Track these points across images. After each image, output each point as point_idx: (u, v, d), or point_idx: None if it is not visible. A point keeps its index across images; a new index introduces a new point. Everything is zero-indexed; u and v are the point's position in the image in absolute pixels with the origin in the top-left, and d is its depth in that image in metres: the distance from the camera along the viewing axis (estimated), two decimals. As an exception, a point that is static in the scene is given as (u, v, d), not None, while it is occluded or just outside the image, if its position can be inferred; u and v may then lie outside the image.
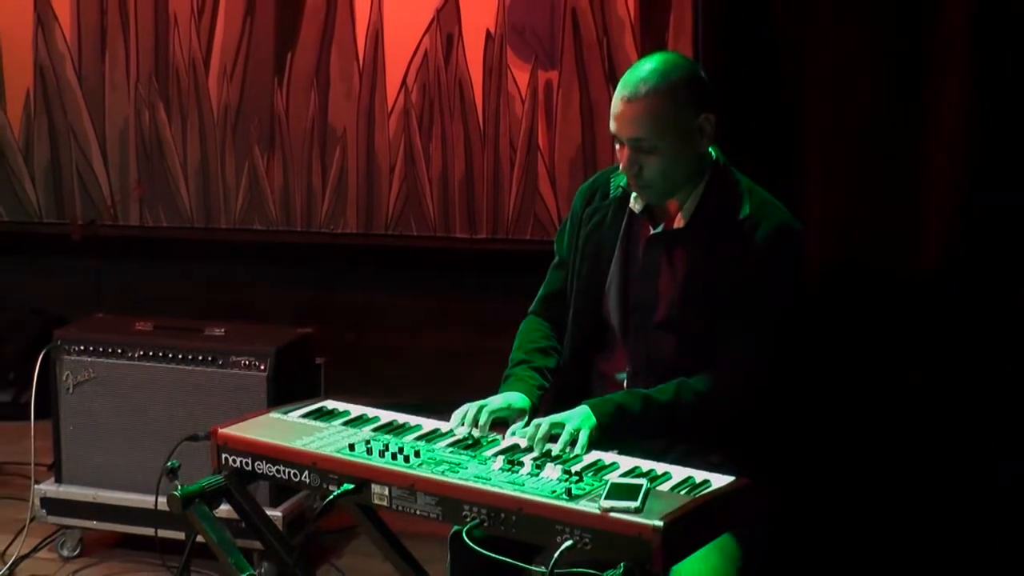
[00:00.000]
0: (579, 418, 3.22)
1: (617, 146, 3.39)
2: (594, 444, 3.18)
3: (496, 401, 3.37)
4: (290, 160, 6.41)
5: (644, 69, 3.34)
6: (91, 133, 6.67)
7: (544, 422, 3.19)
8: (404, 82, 6.19)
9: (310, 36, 6.30)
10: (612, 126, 3.37)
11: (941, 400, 3.98)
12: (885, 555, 4.05)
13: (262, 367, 4.64)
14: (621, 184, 3.51)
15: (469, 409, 3.32)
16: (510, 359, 3.62)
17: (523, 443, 3.20)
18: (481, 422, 3.28)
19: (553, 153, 6.01)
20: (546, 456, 3.10)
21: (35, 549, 4.96)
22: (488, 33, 6.05)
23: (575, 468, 2.99)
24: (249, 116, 6.44)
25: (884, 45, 3.97)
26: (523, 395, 3.44)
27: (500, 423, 3.35)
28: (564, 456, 3.11)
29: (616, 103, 3.34)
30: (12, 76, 6.74)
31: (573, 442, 3.16)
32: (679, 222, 3.42)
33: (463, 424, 3.29)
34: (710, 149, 3.44)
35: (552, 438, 3.17)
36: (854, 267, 4.10)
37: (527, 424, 3.29)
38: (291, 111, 6.37)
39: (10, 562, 4.80)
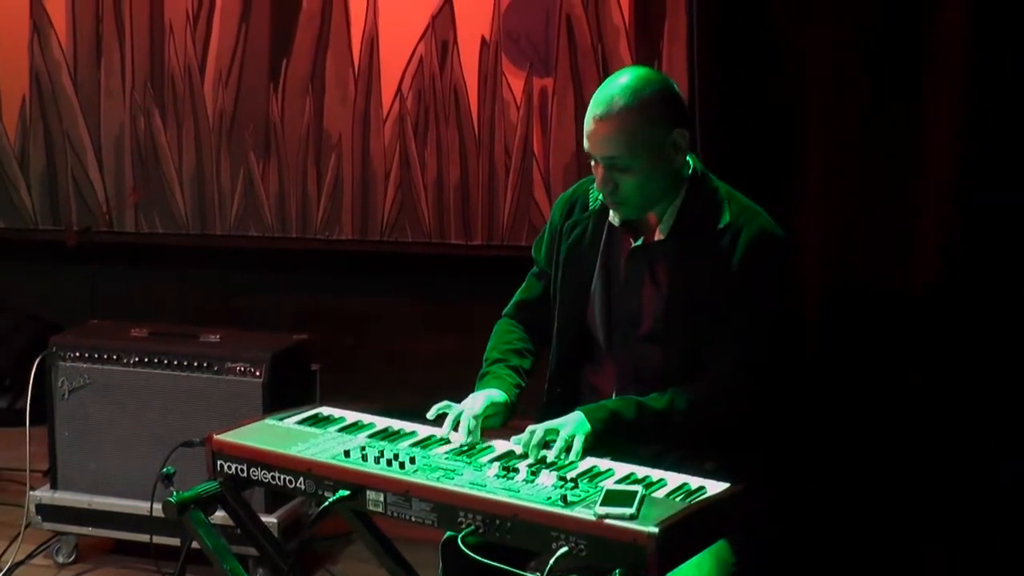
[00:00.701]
0: (573, 424, 3.22)
1: (592, 163, 3.38)
2: (588, 451, 3.18)
3: (479, 404, 3.37)
4: (285, 166, 6.41)
5: (615, 86, 3.31)
6: (87, 140, 6.67)
7: (539, 428, 3.19)
8: (399, 88, 6.20)
9: (305, 42, 6.31)
10: (585, 144, 3.36)
11: (941, 400, 3.98)
12: (883, 561, 4.05)
13: (257, 373, 4.64)
14: (600, 196, 3.50)
15: (458, 417, 3.33)
16: (485, 358, 3.62)
17: (518, 449, 3.20)
18: (471, 428, 3.30)
19: (548, 159, 6.01)
20: (541, 463, 3.11)
21: (30, 556, 4.96)
22: (483, 40, 6.05)
23: (570, 475, 2.99)
24: (244, 122, 6.44)
25: (883, 46, 3.97)
26: (501, 391, 3.45)
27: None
28: (559, 463, 3.12)
29: (588, 121, 3.33)
30: (8, 83, 6.75)
31: (568, 448, 3.16)
32: (659, 235, 3.41)
33: (453, 429, 3.31)
34: (688, 158, 3.43)
35: (547, 445, 3.17)
36: (854, 268, 4.10)
37: (505, 423, 3.31)
38: (286, 117, 6.37)
39: (5, 568, 4.79)
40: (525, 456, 3.15)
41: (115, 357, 4.79)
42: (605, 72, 5.84)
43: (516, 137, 6.06)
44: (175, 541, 4.17)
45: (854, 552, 4.07)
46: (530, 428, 3.21)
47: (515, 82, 6.04)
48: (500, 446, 3.25)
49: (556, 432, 3.18)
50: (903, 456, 4.03)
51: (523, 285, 3.74)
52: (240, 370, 4.66)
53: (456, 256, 6.24)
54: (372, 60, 6.22)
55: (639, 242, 3.43)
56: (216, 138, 6.48)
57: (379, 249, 6.35)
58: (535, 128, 6.03)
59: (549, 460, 3.12)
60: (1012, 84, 3.83)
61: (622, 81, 3.32)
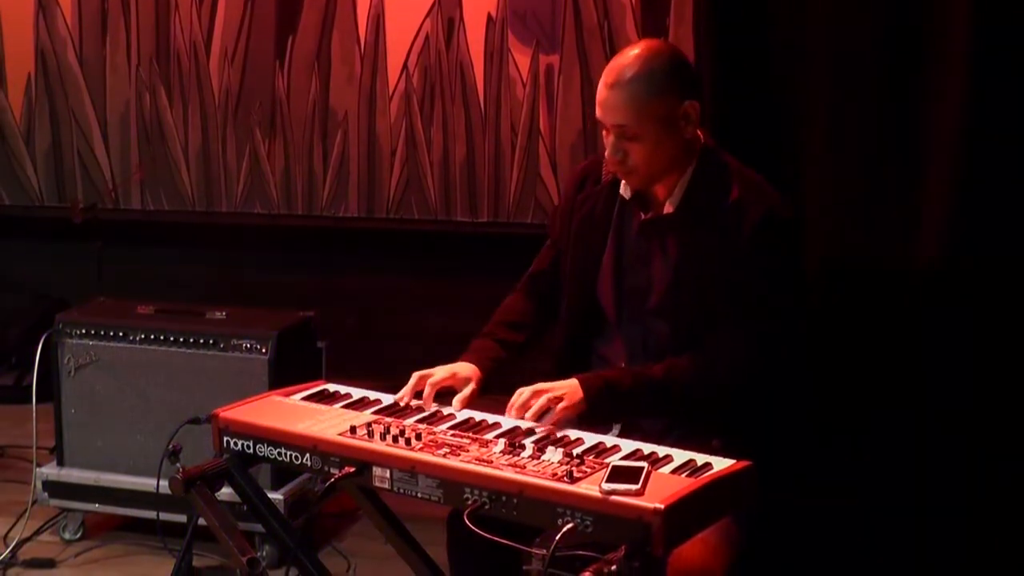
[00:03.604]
0: (564, 390, 3.23)
1: (603, 132, 3.40)
2: (583, 419, 3.21)
3: (441, 372, 3.41)
4: (291, 144, 6.41)
5: (628, 56, 3.34)
6: (92, 117, 6.67)
7: (527, 390, 3.22)
8: (405, 66, 6.19)
9: (311, 19, 6.30)
10: (597, 112, 3.38)
11: (940, 397, 3.98)
12: (884, 548, 4.05)
13: (263, 350, 4.64)
14: (612, 171, 3.51)
15: (413, 379, 3.38)
16: (481, 330, 3.67)
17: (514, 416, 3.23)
18: (425, 394, 3.34)
19: (554, 137, 6.01)
20: (546, 439, 3.11)
21: (37, 532, 4.96)
22: (489, 17, 6.04)
23: (577, 451, 3.00)
24: (250, 100, 6.44)
25: (887, 30, 3.98)
26: (471, 364, 3.48)
27: (447, 392, 3.40)
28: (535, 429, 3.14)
29: (601, 89, 3.35)
30: (13, 60, 6.74)
31: (547, 409, 3.19)
32: (668, 208, 3.42)
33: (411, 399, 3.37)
34: (699, 132, 3.43)
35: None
36: (856, 250, 4.10)
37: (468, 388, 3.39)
38: (292, 95, 6.37)
39: (12, 545, 4.80)
40: (532, 432, 3.16)
41: (121, 334, 4.79)
42: (611, 49, 5.84)
43: (522, 114, 6.06)
44: (182, 518, 4.20)
45: (853, 540, 4.08)
46: (520, 389, 3.23)
47: (521, 59, 6.03)
48: (506, 422, 3.26)
49: (541, 393, 3.21)
50: (905, 437, 4.04)
51: (537, 257, 3.76)
52: (246, 347, 4.66)
53: (462, 234, 6.23)
54: (378, 37, 6.21)
55: (649, 215, 3.45)
56: (222, 116, 6.48)
57: (385, 227, 6.35)
58: (541, 106, 6.02)
59: (527, 416, 3.16)
60: (1015, 70, 3.83)
61: (634, 51, 3.36)
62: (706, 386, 3.31)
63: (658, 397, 3.31)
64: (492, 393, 3.42)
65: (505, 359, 3.57)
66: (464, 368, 3.47)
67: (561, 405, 3.20)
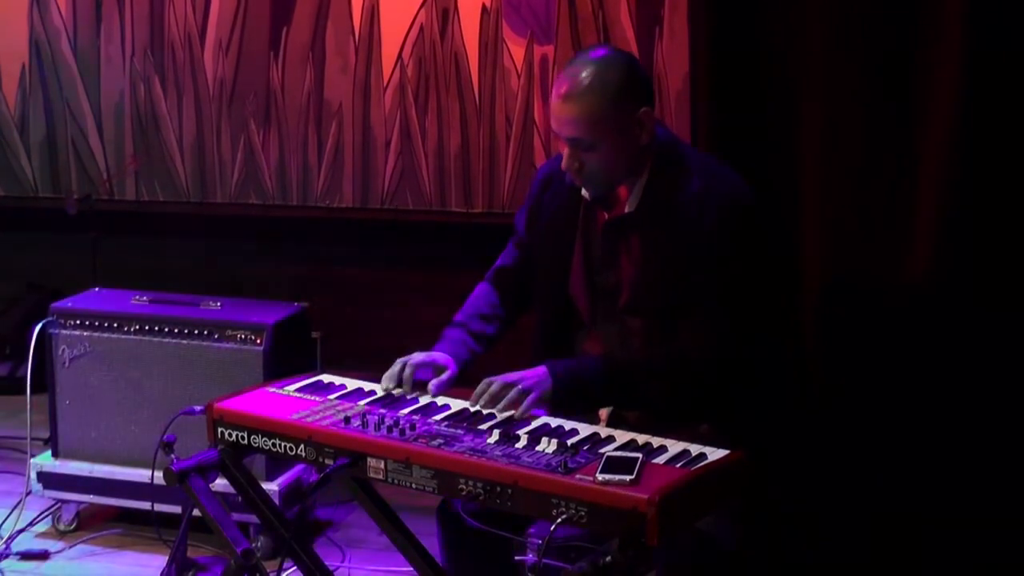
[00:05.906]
0: (534, 379, 3.24)
1: (560, 141, 3.39)
2: (551, 405, 3.23)
3: (419, 357, 3.44)
4: (286, 134, 6.40)
5: (579, 66, 3.32)
6: (86, 107, 6.66)
7: (496, 381, 3.21)
8: (400, 56, 6.18)
9: (306, 10, 6.28)
10: (552, 123, 3.37)
11: (935, 397, 3.98)
12: (884, 548, 4.06)
13: (258, 341, 4.64)
14: None
15: (394, 365, 3.40)
16: (452, 320, 3.68)
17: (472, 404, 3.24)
18: (405, 375, 3.36)
19: (549, 127, 5.99)
20: (540, 429, 3.11)
21: (31, 523, 4.97)
22: (484, 7, 6.03)
23: (571, 441, 3.00)
24: (245, 90, 6.42)
25: (881, 38, 3.97)
26: (447, 354, 3.49)
27: (423, 380, 3.42)
28: (507, 417, 3.15)
29: (553, 100, 3.33)
30: (7, 50, 6.72)
31: (518, 403, 3.18)
32: (628, 207, 3.41)
33: (392, 384, 3.39)
34: (657, 129, 3.42)
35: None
36: (851, 265, 4.09)
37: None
38: (287, 85, 6.36)
39: (6, 536, 4.80)
40: (526, 422, 3.16)
41: (116, 325, 4.79)
42: (606, 40, 5.83)
43: (517, 105, 6.05)
44: (176, 509, 4.21)
45: (854, 535, 4.09)
46: (486, 380, 3.23)
47: (516, 50, 6.02)
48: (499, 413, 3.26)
49: (512, 386, 3.20)
50: (902, 449, 4.04)
51: (504, 251, 3.76)
52: (241, 338, 4.66)
53: (457, 224, 6.23)
54: (372, 28, 6.20)
55: (612, 215, 3.44)
56: (216, 106, 6.47)
57: (380, 217, 6.34)
58: (536, 96, 6.01)
59: (498, 414, 3.15)
60: (1010, 78, 3.83)
61: (586, 61, 3.33)
62: (678, 375, 3.31)
63: (629, 385, 3.32)
64: (469, 386, 3.43)
65: (480, 352, 3.59)
66: (440, 357, 3.49)
67: (530, 398, 3.20)
